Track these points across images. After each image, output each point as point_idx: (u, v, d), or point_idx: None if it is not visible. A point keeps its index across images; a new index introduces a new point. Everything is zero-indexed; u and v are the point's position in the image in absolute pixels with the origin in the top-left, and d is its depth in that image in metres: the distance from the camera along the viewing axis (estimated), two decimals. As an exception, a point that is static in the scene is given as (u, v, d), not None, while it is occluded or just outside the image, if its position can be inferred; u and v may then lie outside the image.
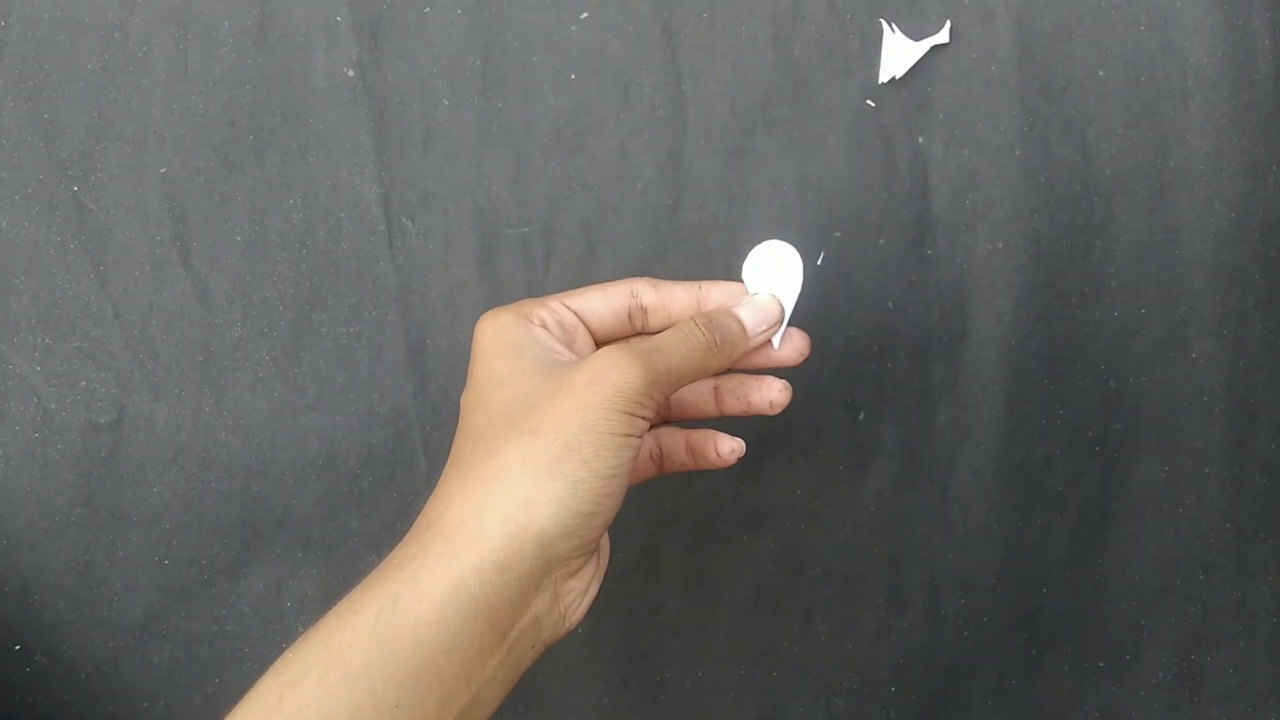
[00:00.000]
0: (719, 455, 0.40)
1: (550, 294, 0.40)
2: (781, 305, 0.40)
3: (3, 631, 0.49)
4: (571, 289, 0.41)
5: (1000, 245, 0.51)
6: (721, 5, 0.49)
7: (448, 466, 0.36)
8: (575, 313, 0.39)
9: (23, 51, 0.47)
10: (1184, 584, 0.53)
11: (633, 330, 0.40)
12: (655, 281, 0.40)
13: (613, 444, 0.33)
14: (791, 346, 0.40)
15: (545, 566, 0.33)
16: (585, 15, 0.48)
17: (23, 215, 0.48)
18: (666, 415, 0.42)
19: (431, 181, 0.49)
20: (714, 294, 0.40)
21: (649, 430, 0.39)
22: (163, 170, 0.48)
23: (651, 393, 0.34)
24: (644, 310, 0.39)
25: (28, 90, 0.48)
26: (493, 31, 0.48)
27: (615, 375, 0.33)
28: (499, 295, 0.50)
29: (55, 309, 0.48)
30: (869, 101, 0.50)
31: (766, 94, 0.49)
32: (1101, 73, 0.50)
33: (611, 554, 0.49)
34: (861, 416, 0.51)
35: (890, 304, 0.51)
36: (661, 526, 0.51)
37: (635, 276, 0.40)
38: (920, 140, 0.50)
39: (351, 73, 0.48)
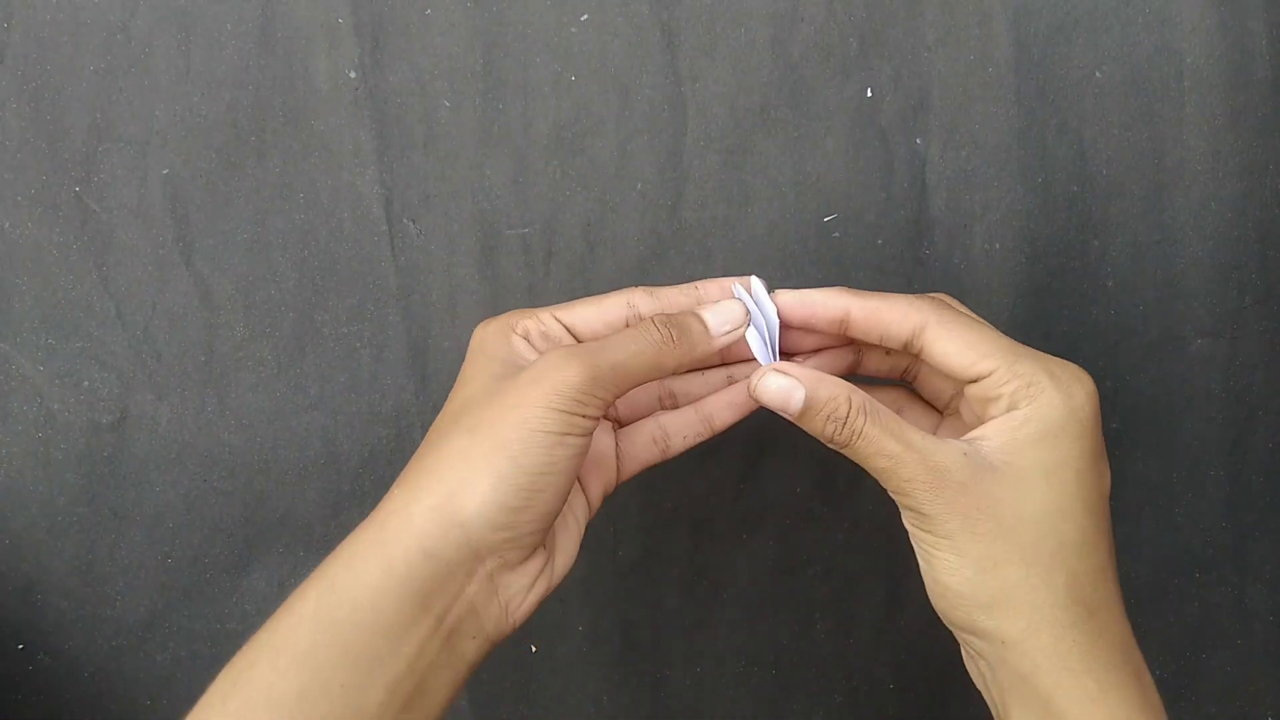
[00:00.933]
0: (745, 398, 0.41)
1: (550, 298, 0.41)
2: (745, 307, 0.40)
3: (5, 630, 0.49)
4: (572, 292, 0.43)
5: (997, 245, 0.51)
6: (721, 7, 0.49)
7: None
8: (565, 325, 0.39)
9: (25, 53, 0.47)
10: (1181, 583, 0.53)
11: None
12: (652, 290, 0.40)
13: (545, 441, 0.34)
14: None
15: (474, 554, 0.34)
16: (585, 17, 0.49)
17: (25, 216, 0.48)
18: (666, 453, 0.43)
19: (433, 182, 0.49)
20: (712, 291, 0.40)
21: (652, 417, 0.41)
22: (165, 171, 0.48)
23: (594, 390, 0.35)
24: (641, 320, 0.40)
25: (30, 91, 0.48)
26: (493, 33, 0.48)
27: (554, 374, 0.34)
28: (500, 295, 0.50)
29: (58, 309, 0.48)
30: (868, 91, 0.50)
31: (765, 95, 0.49)
32: (1098, 73, 0.50)
33: (612, 553, 0.49)
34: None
35: (889, 304, 0.51)
36: (661, 525, 0.51)
37: (632, 287, 0.40)
38: (918, 141, 0.50)
39: (353, 74, 0.48)
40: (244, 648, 0.34)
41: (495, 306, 0.50)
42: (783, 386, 0.37)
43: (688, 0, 0.49)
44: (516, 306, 0.49)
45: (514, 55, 0.49)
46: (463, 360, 0.40)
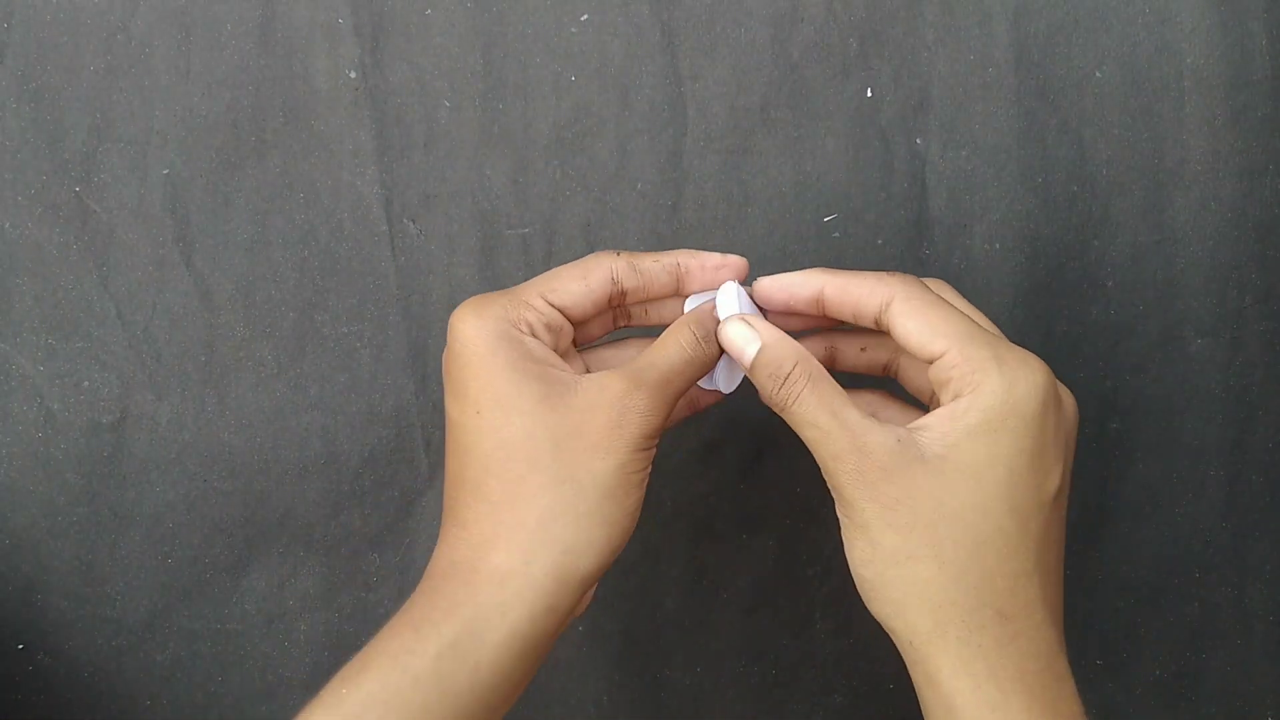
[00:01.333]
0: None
1: (532, 281, 0.39)
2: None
3: (5, 630, 0.49)
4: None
5: (997, 246, 0.50)
6: (721, 7, 0.49)
7: (467, 496, 0.36)
8: (559, 309, 0.38)
9: (25, 53, 0.47)
10: (1181, 583, 0.52)
11: (609, 309, 0.40)
12: (632, 259, 0.39)
13: (638, 479, 0.35)
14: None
15: (584, 595, 0.36)
16: (585, 17, 0.48)
17: (26, 216, 0.48)
18: None
19: (433, 182, 0.49)
20: (693, 269, 0.39)
21: None
22: (165, 171, 0.48)
23: (664, 424, 0.36)
24: (624, 294, 0.39)
25: (30, 91, 0.47)
26: (493, 33, 0.48)
27: (637, 419, 0.35)
28: None
29: (58, 309, 0.48)
30: (868, 91, 0.50)
31: (765, 95, 0.49)
32: (1098, 73, 0.50)
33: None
34: (860, 416, 0.51)
35: (889, 304, 0.51)
36: (661, 525, 0.51)
37: (611, 254, 0.39)
38: (918, 141, 0.49)
39: (353, 74, 0.48)
40: (341, 691, 0.33)
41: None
42: (742, 334, 0.37)
43: (688, 0, 0.49)
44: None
45: (514, 55, 0.48)
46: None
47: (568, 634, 0.50)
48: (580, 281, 0.38)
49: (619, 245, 0.49)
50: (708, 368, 0.38)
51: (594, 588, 0.38)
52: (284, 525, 0.50)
